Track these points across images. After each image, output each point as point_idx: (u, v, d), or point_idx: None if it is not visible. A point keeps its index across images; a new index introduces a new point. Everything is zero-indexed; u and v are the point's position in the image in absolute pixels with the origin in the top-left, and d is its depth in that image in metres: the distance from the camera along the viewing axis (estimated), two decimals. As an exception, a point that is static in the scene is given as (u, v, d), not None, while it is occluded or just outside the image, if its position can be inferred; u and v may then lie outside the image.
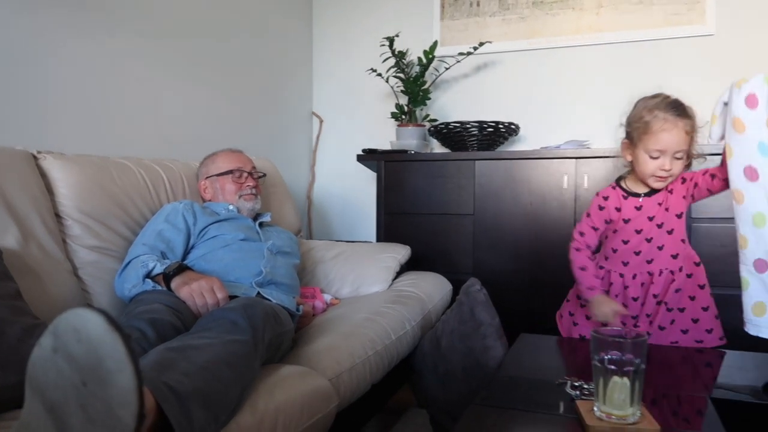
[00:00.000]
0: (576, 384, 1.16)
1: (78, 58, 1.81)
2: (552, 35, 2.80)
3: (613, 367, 0.97)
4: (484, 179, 2.46)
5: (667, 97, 1.48)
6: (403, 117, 2.83)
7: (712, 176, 1.44)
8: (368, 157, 2.66)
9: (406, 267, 2.30)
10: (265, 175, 2.01)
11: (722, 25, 2.56)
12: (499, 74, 2.92)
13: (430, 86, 2.84)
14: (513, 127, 2.59)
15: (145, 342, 1.05)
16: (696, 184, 1.48)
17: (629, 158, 1.54)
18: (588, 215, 1.61)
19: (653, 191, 1.53)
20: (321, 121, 3.27)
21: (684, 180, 1.51)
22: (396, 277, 2.13)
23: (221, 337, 0.99)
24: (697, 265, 1.56)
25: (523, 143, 2.86)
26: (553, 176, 2.37)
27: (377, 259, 2.13)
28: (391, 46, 2.71)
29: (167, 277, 1.38)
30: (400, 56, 2.75)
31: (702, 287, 1.55)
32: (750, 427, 1.13)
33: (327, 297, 1.93)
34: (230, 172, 1.85)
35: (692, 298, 1.54)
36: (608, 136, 2.65)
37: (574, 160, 2.34)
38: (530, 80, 2.87)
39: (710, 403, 1.11)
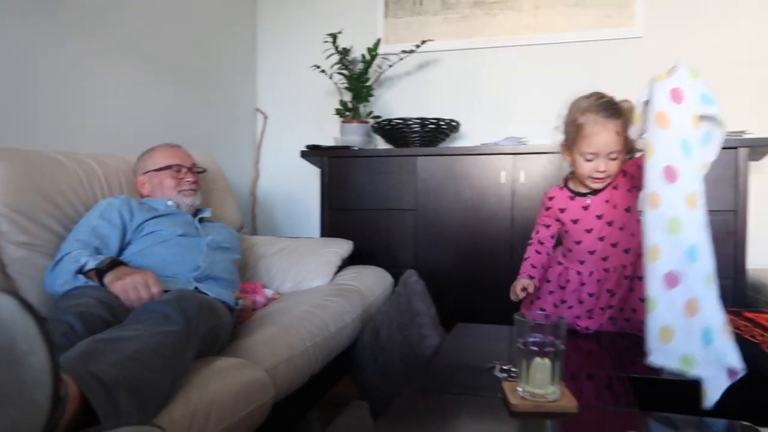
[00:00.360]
0: (504, 368, 1.21)
1: (5, 46, 1.75)
2: (492, 35, 2.88)
3: (535, 348, 1.03)
4: (425, 175, 2.51)
5: (601, 97, 1.49)
6: (347, 113, 2.85)
7: (639, 166, 1.41)
8: (312, 153, 2.67)
9: (349, 261, 2.32)
10: (205, 170, 2.00)
11: (650, 27, 2.70)
12: (441, 72, 2.98)
13: (373, 83, 2.87)
14: (454, 124, 2.65)
15: (73, 335, 1.03)
16: (632, 176, 1.49)
17: (569, 159, 1.55)
18: (540, 215, 1.68)
19: (600, 189, 1.54)
20: (265, 117, 3.26)
21: (625, 173, 1.50)
22: (338, 272, 2.15)
23: (152, 328, 0.99)
24: (639, 256, 1.53)
25: (463, 140, 2.93)
26: (492, 172, 2.44)
27: (319, 254, 2.15)
28: (334, 42, 2.73)
29: (100, 272, 1.36)
30: (344, 53, 2.77)
31: (641, 279, 1.50)
32: (663, 401, 1.20)
33: (268, 292, 1.93)
34: (169, 167, 1.82)
35: (631, 290, 1.57)
36: (544, 133, 2.75)
37: (511, 156, 2.42)
38: (471, 78, 2.94)
39: (627, 382, 1.18)
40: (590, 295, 1.59)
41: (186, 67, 2.64)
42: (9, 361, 0.61)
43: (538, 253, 1.68)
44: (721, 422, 0.99)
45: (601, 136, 1.43)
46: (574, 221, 1.57)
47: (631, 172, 1.49)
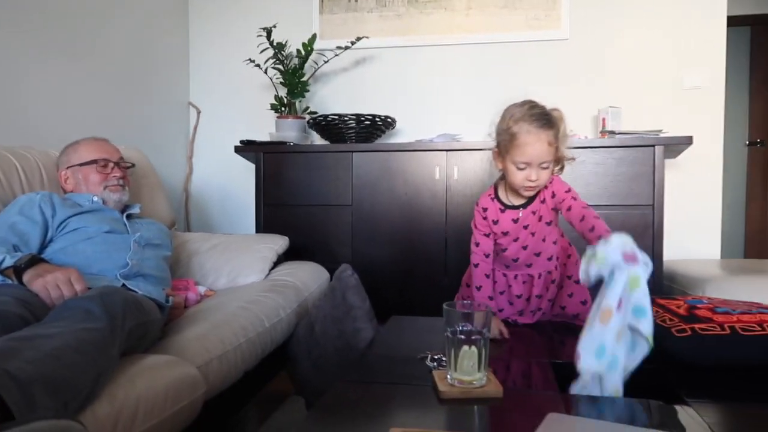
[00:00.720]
0: (435, 357, 1.25)
1: None
2: (426, 33, 2.93)
3: (462, 337, 1.06)
4: (361, 171, 2.53)
5: (534, 106, 1.49)
6: (283, 109, 2.83)
7: (579, 219, 1.43)
8: (247, 148, 2.63)
9: (286, 258, 2.31)
10: (133, 165, 1.94)
11: (575, 30, 2.81)
12: (376, 69, 3.01)
13: (309, 79, 2.86)
14: (389, 120, 2.68)
15: (-12, 334, 0.99)
16: (559, 210, 1.53)
17: (500, 167, 1.55)
18: (476, 226, 1.63)
19: (529, 201, 1.55)
20: (198, 112, 3.18)
21: (554, 195, 1.53)
22: (273, 268, 2.14)
23: (74, 325, 0.96)
24: (568, 257, 1.64)
25: (399, 136, 2.96)
26: (427, 168, 2.49)
27: (254, 250, 2.12)
28: (269, 37, 2.70)
29: (18, 270, 1.29)
30: (278, 48, 2.74)
31: (569, 277, 1.62)
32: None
33: (201, 289, 1.90)
34: (94, 161, 1.76)
35: (560, 288, 1.64)
36: (476, 130, 2.84)
37: (445, 152, 2.47)
38: (406, 75, 2.98)
39: (549, 366, 1.24)
40: (518, 296, 1.64)
41: (114, 58, 2.55)
42: None
43: (487, 276, 1.61)
44: (635, 401, 1.05)
45: (535, 146, 1.44)
46: (505, 233, 1.59)
47: (563, 207, 1.51)
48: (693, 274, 2.16)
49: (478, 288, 1.62)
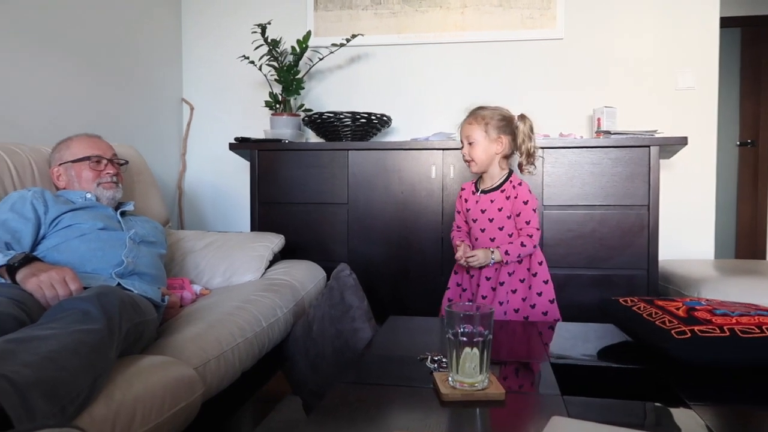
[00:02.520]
0: (436, 358, 1.24)
1: None
2: (421, 31, 2.92)
3: (464, 339, 1.06)
4: (357, 169, 2.51)
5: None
6: (277, 106, 2.81)
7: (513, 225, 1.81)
8: (241, 145, 2.61)
9: (281, 256, 2.29)
10: (127, 162, 1.91)
11: (570, 30, 2.81)
12: (372, 67, 2.99)
13: (304, 76, 2.84)
14: (385, 118, 2.67)
15: (-18, 336, 0.96)
16: (514, 196, 1.81)
17: None
18: (456, 206, 1.99)
19: (491, 189, 1.84)
20: (192, 108, 3.15)
21: (516, 197, 1.80)
22: (269, 266, 2.12)
23: (70, 327, 0.94)
24: (538, 262, 1.84)
25: (395, 134, 2.95)
26: (423, 166, 2.48)
27: (249, 248, 2.10)
28: (263, 33, 2.68)
29: (11, 269, 1.27)
30: (273, 45, 2.72)
31: (535, 275, 1.81)
32: (583, 386, 1.27)
33: (197, 287, 1.88)
34: (87, 158, 1.73)
35: (522, 281, 1.81)
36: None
37: (441, 151, 2.46)
38: (401, 73, 2.97)
39: (550, 368, 1.23)
40: (487, 278, 1.81)
41: (105, 54, 2.52)
42: None
43: (458, 230, 1.96)
44: (634, 404, 1.05)
45: (460, 126, 1.85)
46: (467, 210, 1.89)
47: (519, 197, 1.80)
48: (688, 275, 2.17)
49: (453, 237, 1.95)
